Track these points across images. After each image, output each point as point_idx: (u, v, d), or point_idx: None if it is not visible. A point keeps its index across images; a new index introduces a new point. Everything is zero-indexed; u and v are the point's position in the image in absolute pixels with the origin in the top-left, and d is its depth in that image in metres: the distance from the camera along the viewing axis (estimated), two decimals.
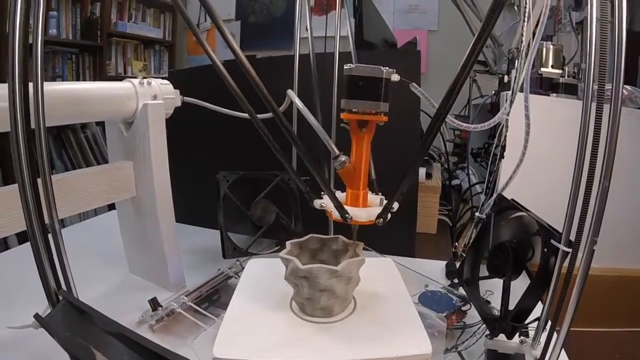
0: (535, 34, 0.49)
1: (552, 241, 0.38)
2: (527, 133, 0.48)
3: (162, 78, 0.66)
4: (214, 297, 0.59)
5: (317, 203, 0.46)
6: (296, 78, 0.74)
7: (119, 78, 2.90)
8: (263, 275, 0.51)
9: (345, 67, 0.43)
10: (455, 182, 1.45)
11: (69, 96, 0.52)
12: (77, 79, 2.78)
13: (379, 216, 0.44)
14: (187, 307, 0.53)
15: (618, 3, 0.35)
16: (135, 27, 3.25)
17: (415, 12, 3.12)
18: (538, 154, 0.67)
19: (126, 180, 0.60)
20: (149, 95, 0.60)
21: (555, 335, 0.38)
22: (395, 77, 0.43)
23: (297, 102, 0.45)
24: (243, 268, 0.64)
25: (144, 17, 3.41)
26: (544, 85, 0.93)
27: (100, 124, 2.44)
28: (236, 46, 0.38)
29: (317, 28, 0.80)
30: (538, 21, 0.49)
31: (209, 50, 0.40)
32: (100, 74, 2.91)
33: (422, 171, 0.98)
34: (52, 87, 0.49)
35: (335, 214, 0.44)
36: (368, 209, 0.45)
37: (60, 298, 0.32)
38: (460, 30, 1.21)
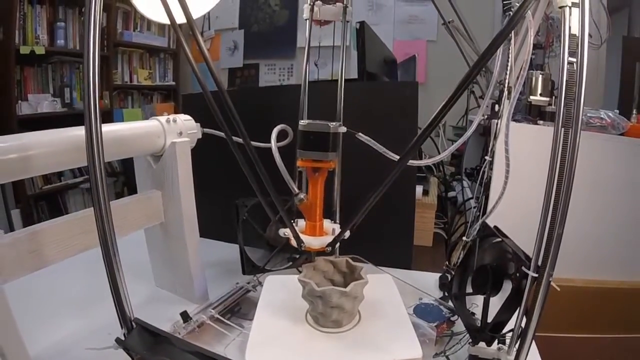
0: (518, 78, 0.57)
1: (523, 268, 0.46)
2: (507, 172, 0.56)
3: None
4: (235, 309, 0.66)
5: (281, 231, 0.54)
6: (305, 101, 0.72)
7: (125, 87, 2.94)
8: (280, 292, 0.59)
9: (300, 123, 0.50)
10: (451, 194, 1.51)
11: (108, 137, 0.57)
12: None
13: (329, 244, 0.52)
14: (215, 319, 0.61)
15: (581, 24, 0.38)
16: (140, 36, 3.32)
17: (415, 23, 3.19)
18: (526, 181, 0.73)
19: (156, 208, 0.67)
20: (175, 132, 0.66)
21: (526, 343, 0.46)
22: (343, 129, 0.50)
23: (273, 142, 0.50)
24: (259, 282, 0.72)
25: (149, 26, 3.48)
26: (532, 112, 1.00)
27: None
28: (215, 69, 0.44)
29: (321, 38, 0.81)
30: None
31: (198, 74, 0.46)
32: (107, 83, 2.98)
33: (419, 189, 1.06)
34: None
35: (294, 242, 0.53)
36: (321, 238, 0.53)
37: (134, 324, 0.39)
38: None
